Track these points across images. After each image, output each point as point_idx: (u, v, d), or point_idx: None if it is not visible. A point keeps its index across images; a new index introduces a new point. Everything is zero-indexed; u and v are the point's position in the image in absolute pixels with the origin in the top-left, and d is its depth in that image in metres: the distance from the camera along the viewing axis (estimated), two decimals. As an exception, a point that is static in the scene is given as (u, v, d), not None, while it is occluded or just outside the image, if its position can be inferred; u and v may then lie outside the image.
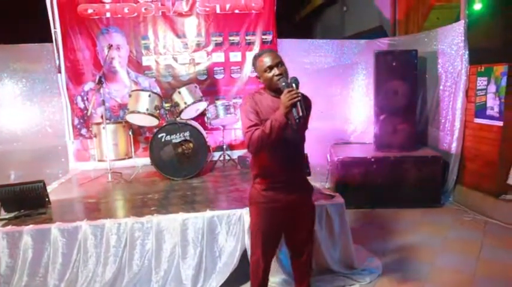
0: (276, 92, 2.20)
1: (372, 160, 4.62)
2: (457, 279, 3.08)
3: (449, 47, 4.66)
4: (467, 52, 4.39)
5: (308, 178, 3.69)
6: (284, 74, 2.20)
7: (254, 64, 2.31)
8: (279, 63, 2.21)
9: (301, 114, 2.03)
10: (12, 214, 3.13)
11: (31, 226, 2.89)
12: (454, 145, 4.63)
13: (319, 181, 3.85)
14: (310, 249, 2.53)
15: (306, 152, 3.69)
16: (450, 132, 4.69)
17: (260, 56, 2.26)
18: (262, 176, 2.32)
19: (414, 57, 4.69)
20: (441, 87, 4.86)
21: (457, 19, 4.56)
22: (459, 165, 4.62)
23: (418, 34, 5.32)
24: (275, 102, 2.19)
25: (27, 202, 3.22)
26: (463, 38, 4.39)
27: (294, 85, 2.10)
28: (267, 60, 2.21)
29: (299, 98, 2.04)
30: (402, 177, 4.55)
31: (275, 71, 2.19)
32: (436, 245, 3.64)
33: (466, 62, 4.42)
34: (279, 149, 2.21)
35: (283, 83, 2.13)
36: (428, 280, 3.06)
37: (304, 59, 5.55)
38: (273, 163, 2.26)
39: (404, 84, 4.72)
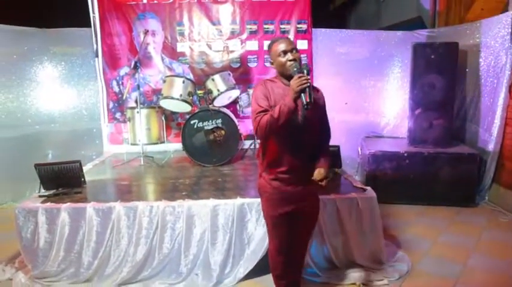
0: (288, 78, 2.19)
1: (405, 154, 4.51)
2: (491, 281, 2.99)
3: (493, 39, 4.45)
4: (513, 45, 4.20)
5: (338, 170, 3.72)
6: (297, 60, 2.19)
7: (270, 49, 2.30)
8: (293, 49, 2.21)
9: (308, 100, 2.02)
10: (50, 192, 3.25)
11: (68, 203, 3.00)
12: (492, 142, 4.45)
13: (349, 174, 3.78)
14: (306, 245, 2.54)
15: (337, 144, 3.71)
16: (489, 130, 4.51)
17: (276, 41, 2.26)
18: (270, 165, 2.29)
19: (454, 50, 4.52)
20: (482, 82, 4.67)
21: (504, 10, 4.34)
22: (497, 164, 4.45)
23: (459, 26, 5.11)
24: (286, 90, 2.17)
25: (65, 180, 3.34)
26: (509, 31, 4.18)
27: (304, 71, 2.10)
28: (282, 46, 2.21)
29: (308, 84, 2.04)
30: (436, 174, 4.43)
31: (289, 56, 2.19)
32: (469, 245, 3.53)
33: (512, 56, 4.23)
34: (287, 138, 2.19)
35: (295, 69, 2.13)
36: (459, 279, 2.98)
37: (339, 49, 5.46)
38: (280, 152, 2.24)
39: (443, 78, 4.56)
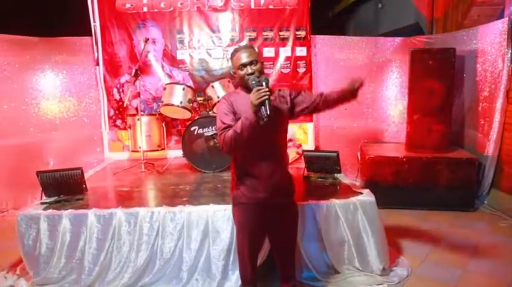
0: (250, 90, 2.19)
1: (404, 159, 4.53)
2: (490, 285, 3.00)
3: (490, 45, 4.50)
4: (510, 51, 4.23)
5: (338, 175, 3.74)
6: (257, 73, 2.19)
7: (231, 59, 2.29)
8: (252, 61, 2.20)
9: (268, 113, 2.03)
10: (52, 199, 3.28)
11: (70, 210, 3.02)
12: (491, 147, 4.47)
13: (349, 179, 3.80)
14: (292, 248, 2.56)
15: (337, 150, 3.74)
16: (488, 134, 4.54)
17: (236, 52, 2.25)
18: (243, 177, 2.30)
19: (452, 56, 4.56)
20: (480, 87, 4.71)
21: (500, 17, 4.40)
22: (496, 169, 4.47)
23: (456, 32, 5.16)
24: None
25: (66, 187, 3.35)
26: (506, 36, 4.23)
27: (264, 84, 2.09)
28: (241, 57, 2.20)
29: (266, 97, 2.04)
30: (434, 178, 4.45)
31: (247, 69, 2.19)
32: (468, 249, 3.54)
33: (508, 62, 4.26)
34: (256, 149, 2.21)
35: (253, 82, 2.14)
36: (459, 284, 2.99)
37: (338, 55, 5.51)
38: (251, 163, 2.26)
39: (441, 84, 4.60)
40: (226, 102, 2.24)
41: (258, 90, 2.05)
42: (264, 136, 2.18)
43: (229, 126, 2.15)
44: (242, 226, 2.39)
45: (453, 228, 4.01)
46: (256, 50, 2.33)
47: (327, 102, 2.35)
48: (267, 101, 2.04)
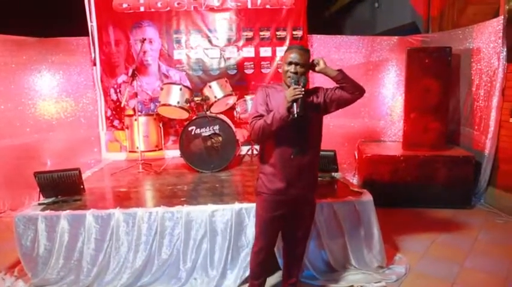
0: (287, 87, 2.29)
1: (401, 158, 4.55)
2: (487, 281, 3.02)
3: (486, 43, 4.52)
4: (505, 49, 4.25)
5: (335, 174, 3.75)
6: (299, 74, 2.27)
7: (284, 53, 2.40)
8: (298, 64, 2.28)
9: (297, 111, 2.12)
10: (50, 199, 3.27)
11: (68, 211, 3.02)
12: (487, 145, 4.50)
13: (346, 178, 3.81)
14: (304, 246, 2.63)
15: (334, 149, 3.74)
16: (484, 132, 4.56)
17: (290, 49, 2.34)
18: (267, 167, 2.38)
19: (448, 55, 4.58)
20: (476, 85, 4.73)
21: (496, 15, 4.42)
22: (492, 166, 4.49)
23: (452, 31, 5.18)
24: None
25: (64, 188, 3.35)
26: (501, 35, 4.26)
27: (301, 83, 2.21)
28: (291, 56, 2.29)
29: (300, 96, 2.13)
30: (432, 176, 4.47)
31: (292, 67, 2.27)
32: (465, 246, 3.56)
33: (504, 60, 4.28)
34: (283, 142, 2.29)
35: (292, 80, 2.24)
36: (456, 280, 3.01)
37: (335, 55, 5.51)
38: (276, 156, 2.33)
39: (437, 82, 4.62)
40: (263, 93, 2.36)
41: (295, 88, 2.15)
42: (293, 132, 2.25)
43: (260, 116, 2.27)
44: (260, 216, 2.45)
45: (451, 225, 4.03)
46: (309, 55, 2.38)
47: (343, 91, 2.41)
48: (300, 99, 2.13)
